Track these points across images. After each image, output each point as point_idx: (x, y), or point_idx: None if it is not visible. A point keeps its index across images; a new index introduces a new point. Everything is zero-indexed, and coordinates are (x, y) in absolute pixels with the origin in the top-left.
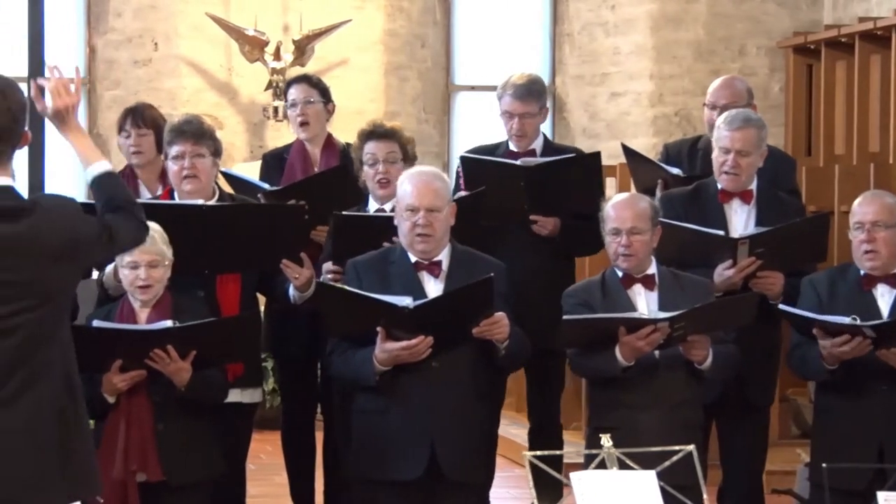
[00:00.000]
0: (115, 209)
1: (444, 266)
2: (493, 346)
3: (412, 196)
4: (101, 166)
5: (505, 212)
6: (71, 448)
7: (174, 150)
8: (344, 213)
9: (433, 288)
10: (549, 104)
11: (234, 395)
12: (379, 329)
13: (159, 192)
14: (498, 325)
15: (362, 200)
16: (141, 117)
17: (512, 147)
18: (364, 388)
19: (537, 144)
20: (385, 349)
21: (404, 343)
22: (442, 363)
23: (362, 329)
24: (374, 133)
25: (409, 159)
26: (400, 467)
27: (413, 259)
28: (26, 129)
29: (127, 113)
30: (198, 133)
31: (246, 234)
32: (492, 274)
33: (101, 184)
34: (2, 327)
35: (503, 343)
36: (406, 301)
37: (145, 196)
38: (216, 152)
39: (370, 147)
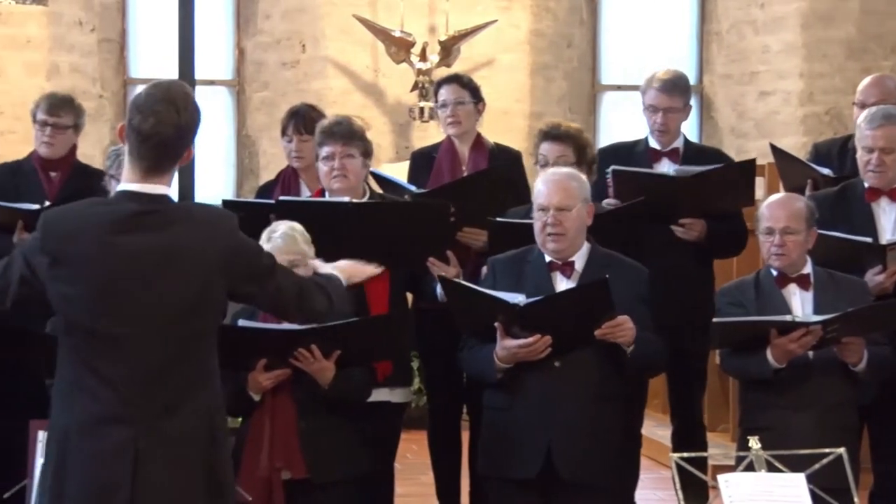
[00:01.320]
0: (317, 284)
1: (578, 267)
2: (621, 349)
3: (543, 195)
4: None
5: (652, 218)
6: (216, 458)
7: (324, 150)
8: (498, 219)
9: (564, 288)
10: (696, 103)
11: (383, 395)
12: (497, 326)
13: None
14: (621, 328)
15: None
16: (303, 123)
17: (653, 144)
18: (492, 384)
19: (679, 143)
20: (504, 346)
21: (522, 341)
22: (564, 363)
23: (483, 325)
24: (549, 134)
25: (585, 163)
26: (517, 465)
27: (548, 259)
28: (191, 147)
29: (290, 117)
30: (348, 134)
31: (391, 232)
32: (606, 276)
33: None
34: (154, 338)
35: (629, 346)
36: (518, 298)
37: (305, 195)
38: (366, 153)
39: (543, 148)
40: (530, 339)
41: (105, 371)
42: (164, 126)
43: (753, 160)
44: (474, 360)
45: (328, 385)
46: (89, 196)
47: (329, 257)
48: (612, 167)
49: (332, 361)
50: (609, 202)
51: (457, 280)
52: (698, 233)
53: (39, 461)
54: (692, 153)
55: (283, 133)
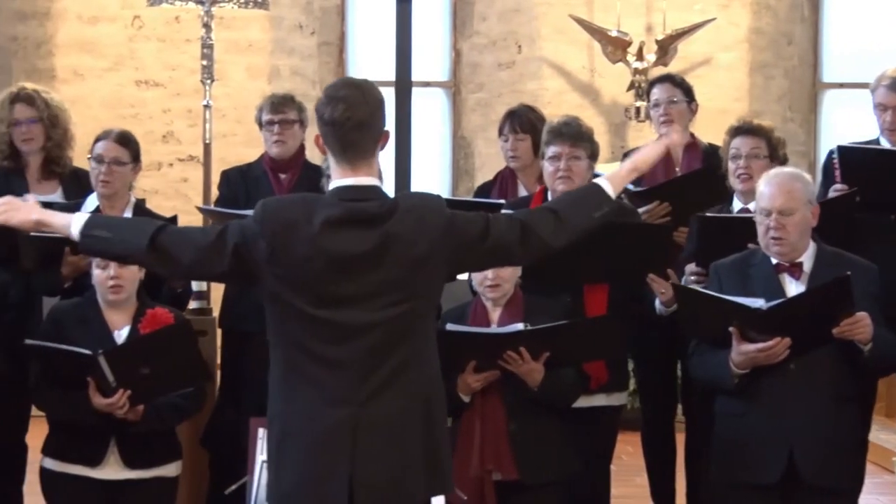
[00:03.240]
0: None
1: (807, 268)
2: (856, 348)
3: (766, 198)
4: None
5: (884, 204)
6: (433, 443)
7: (551, 150)
8: (707, 214)
9: (794, 290)
10: None
11: (600, 400)
12: (733, 331)
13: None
14: (859, 325)
15: (727, 200)
16: (518, 122)
17: (884, 144)
18: (724, 390)
19: None
20: (741, 351)
21: (761, 345)
22: (799, 365)
23: (718, 331)
24: (741, 128)
25: (776, 159)
26: (758, 471)
27: (774, 261)
28: (386, 128)
29: (507, 116)
30: (576, 135)
31: (613, 250)
32: (848, 273)
33: None
34: (369, 321)
35: (866, 344)
36: (758, 303)
37: (522, 195)
38: (593, 155)
39: (736, 142)
40: (770, 343)
41: (322, 353)
42: (354, 108)
43: None
44: (707, 366)
45: (537, 387)
46: None
47: (548, 272)
48: (838, 145)
49: (541, 363)
50: (837, 188)
51: (692, 287)
52: None
53: (259, 458)
54: None
55: (500, 132)
